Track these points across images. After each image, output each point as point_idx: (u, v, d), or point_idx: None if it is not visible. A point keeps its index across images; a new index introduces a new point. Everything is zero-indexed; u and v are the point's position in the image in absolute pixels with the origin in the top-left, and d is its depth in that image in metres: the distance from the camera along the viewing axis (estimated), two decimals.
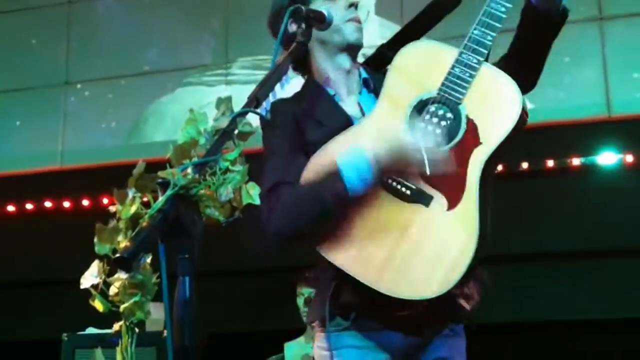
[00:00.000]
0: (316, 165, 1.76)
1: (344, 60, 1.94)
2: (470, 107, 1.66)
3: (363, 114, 1.88)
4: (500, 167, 3.72)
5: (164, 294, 1.33)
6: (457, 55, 1.69)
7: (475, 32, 1.69)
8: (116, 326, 1.31)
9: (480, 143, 1.63)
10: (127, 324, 1.31)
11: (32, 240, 4.42)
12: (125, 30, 4.76)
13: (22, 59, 4.94)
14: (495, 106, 1.65)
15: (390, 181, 1.70)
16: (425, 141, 1.67)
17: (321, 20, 1.92)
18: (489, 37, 1.67)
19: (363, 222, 1.69)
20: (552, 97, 3.88)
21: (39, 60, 4.89)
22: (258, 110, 1.75)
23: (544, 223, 3.66)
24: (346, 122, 1.85)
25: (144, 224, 1.34)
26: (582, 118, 3.79)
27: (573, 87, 3.89)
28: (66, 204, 4.57)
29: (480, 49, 1.67)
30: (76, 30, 4.88)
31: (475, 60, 1.67)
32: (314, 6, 1.89)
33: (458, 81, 1.68)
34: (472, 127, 1.65)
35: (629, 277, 3.54)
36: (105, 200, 4.40)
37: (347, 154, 1.70)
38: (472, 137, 1.64)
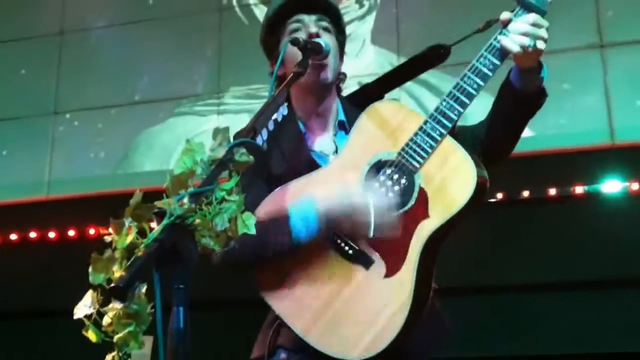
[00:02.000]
0: (272, 202, 1.79)
1: (315, 99, 1.96)
2: (425, 177, 1.66)
3: (337, 154, 1.90)
4: (500, 196, 3.74)
5: (158, 324, 1.33)
6: (422, 123, 1.70)
7: (444, 103, 1.71)
8: (109, 357, 1.30)
9: (429, 216, 1.64)
10: (120, 354, 1.30)
11: (19, 270, 4.41)
12: (117, 60, 4.80)
13: (11, 88, 4.97)
14: (450, 183, 1.65)
15: (336, 238, 1.73)
16: (376, 203, 1.68)
17: (318, 52, 1.94)
18: (457, 112, 1.68)
19: (304, 271, 1.73)
20: (553, 124, 3.88)
21: (28, 90, 4.93)
22: (254, 141, 1.76)
23: (547, 252, 3.64)
24: (309, 162, 1.87)
25: (140, 253, 1.34)
26: (585, 145, 3.78)
27: (575, 114, 3.89)
28: (51, 234, 4.54)
29: (445, 122, 1.68)
30: (67, 60, 4.92)
31: (438, 132, 1.68)
32: (283, 40, 1.92)
33: (418, 149, 1.70)
34: (423, 198, 1.65)
35: (635, 306, 3.51)
36: (91, 231, 4.39)
37: (299, 202, 1.72)
38: (421, 208, 1.65)
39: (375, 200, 1.69)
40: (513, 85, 1.75)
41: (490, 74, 1.69)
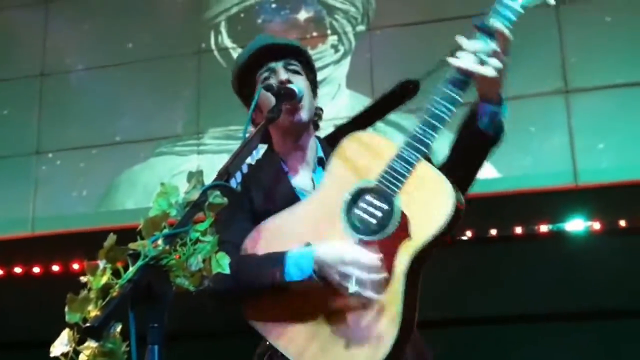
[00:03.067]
0: (261, 234, 1.85)
1: (293, 139, 2.04)
2: (405, 200, 1.73)
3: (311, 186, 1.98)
4: (469, 234, 3.84)
5: None
6: (398, 150, 1.77)
7: (418, 130, 1.77)
8: None
9: (411, 237, 1.70)
10: None
11: (5, 303, 4.42)
12: (97, 101, 4.87)
13: None
14: (428, 204, 1.71)
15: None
16: (363, 260, 1.73)
17: (292, 97, 2.03)
18: (430, 136, 1.75)
19: (293, 298, 1.79)
20: (519, 165, 4.01)
21: (10, 130, 4.98)
22: (228, 183, 1.84)
23: (514, 287, 3.73)
24: (292, 198, 1.94)
25: (114, 293, 1.39)
26: (550, 186, 3.91)
27: (540, 156, 4.02)
28: (36, 270, 4.58)
29: (421, 147, 1.75)
30: (48, 101, 4.99)
31: (414, 157, 1.75)
32: (258, 90, 2.00)
33: (396, 175, 1.76)
34: (404, 221, 1.72)
35: (599, 339, 3.59)
36: (75, 266, 4.43)
37: (297, 251, 1.78)
38: (403, 231, 1.71)
39: (358, 254, 1.75)
40: (473, 116, 1.81)
41: (458, 98, 1.75)
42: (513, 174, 3.99)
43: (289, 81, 2.05)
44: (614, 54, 4.04)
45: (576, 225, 3.83)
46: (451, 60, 1.77)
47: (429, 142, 1.74)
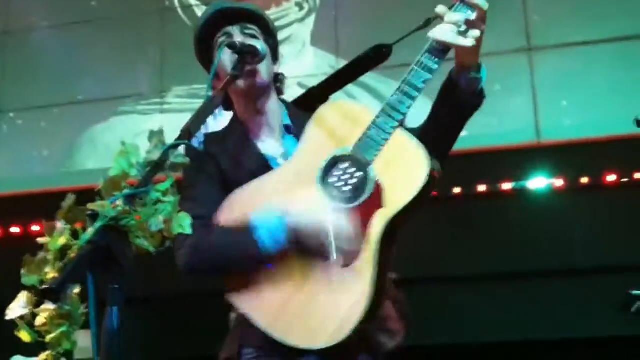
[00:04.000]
0: (231, 208, 1.84)
1: (255, 103, 2.02)
2: (380, 169, 1.73)
3: (285, 156, 1.96)
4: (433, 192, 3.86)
5: (92, 324, 1.37)
6: (374, 117, 1.77)
7: (394, 97, 1.77)
8: (42, 356, 1.34)
9: (384, 206, 1.71)
10: (54, 354, 1.34)
11: None
12: (60, 60, 4.78)
13: None
14: (403, 172, 1.71)
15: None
16: (339, 226, 1.73)
17: (255, 55, 2.00)
18: (406, 104, 1.75)
19: (266, 269, 1.78)
20: (483, 123, 4.03)
21: None
22: (190, 142, 1.82)
23: (478, 246, 3.78)
24: (263, 164, 1.93)
25: (73, 255, 1.38)
26: (513, 144, 3.94)
27: (504, 114, 4.04)
28: None
29: (397, 115, 1.75)
30: (11, 60, 4.89)
31: (390, 125, 1.75)
32: (217, 55, 1.97)
33: (372, 143, 1.76)
34: (378, 189, 1.72)
35: (562, 296, 3.67)
36: (36, 228, 4.37)
37: (266, 216, 1.77)
38: (377, 199, 1.72)
39: (338, 223, 1.74)
40: (452, 85, 1.82)
41: (435, 66, 1.75)
42: (477, 131, 4.00)
43: (249, 42, 2.02)
44: (577, 13, 4.05)
45: (538, 183, 3.88)
46: (431, 33, 1.78)
47: (406, 109, 1.75)
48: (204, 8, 4.59)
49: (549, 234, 3.71)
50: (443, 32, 1.75)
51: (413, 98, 1.75)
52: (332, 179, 1.79)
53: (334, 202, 1.75)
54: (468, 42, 1.73)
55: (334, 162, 1.80)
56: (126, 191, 1.57)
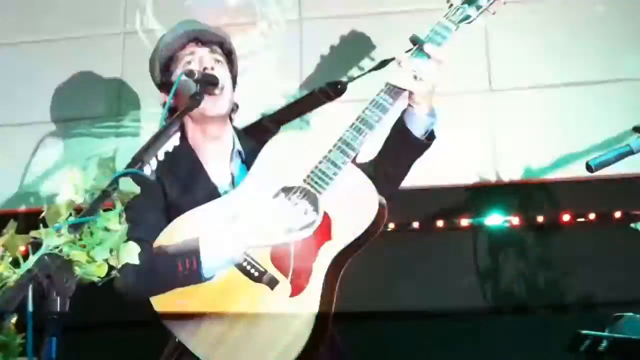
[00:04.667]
0: (176, 231, 1.82)
1: (210, 130, 2.01)
2: (329, 202, 1.75)
3: (233, 183, 1.95)
4: (392, 225, 3.88)
5: (29, 355, 1.33)
6: (326, 152, 1.79)
7: (347, 133, 1.81)
8: None
9: (331, 239, 1.72)
10: None
11: None
12: (14, 78, 4.70)
13: None
14: (353, 206, 1.75)
15: (242, 261, 1.76)
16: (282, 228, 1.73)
17: (214, 84, 1.99)
18: (359, 141, 1.79)
19: (207, 295, 1.76)
20: (443, 160, 4.06)
21: None
22: (141, 171, 1.79)
23: (433, 280, 3.79)
24: (211, 191, 1.91)
25: (11, 283, 1.34)
26: (472, 182, 3.98)
27: (464, 151, 4.07)
28: None
29: (349, 150, 1.78)
30: None
31: (341, 160, 1.77)
32: (175, 75, 1.97)
33: (322, 176, 1.78)
34: (327, 222, 1.73)
35: (512, 335, 3.68)
36: None
37: (210, 241, 1.76)
38: (325, 231, 1.73)
39: (283, 252, 1.72)
40: (404, 126, 1.85)
41: (389, 107, 1.80)
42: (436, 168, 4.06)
43: (212, 68, 2.03)
44: (539, 57, 4.13)
45: (495, 220, 3.91)
46: (389, 78, 1.83)
47: (358, 146, 1.79)
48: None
49: (502, 271, 3.74)
50: (399, 77, 1.80)
51: (366, 135, 1.78)
52: (280, 209, 1.79)
53: (281, 232, 1.75)
54: (422, 88, 1.78)
55: (283, 193, 1.80)
56: (71, 219, 1.54)
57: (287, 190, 1.81)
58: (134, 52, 4.62)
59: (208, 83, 2.00)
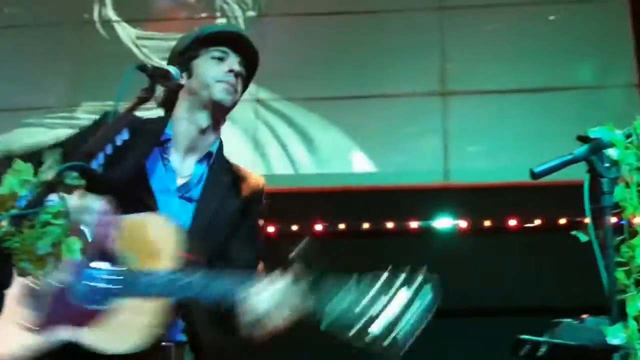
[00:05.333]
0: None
1: (204, 117, 2.00)
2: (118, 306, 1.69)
3: (190, 180, 1.94)
4: (343, 226, 3.91)
5: None
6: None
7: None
8: None
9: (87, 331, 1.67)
10: None
11: None
12: None
13: None
14: (120, 330, 1.68)
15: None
16: None
17: (167, 78, 1.98)
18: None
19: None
20: (395, 162, 4.12)
21: None
22: (88, 164, 1.77)
23: None
24: (139, 173, 1.90)
25: None
26: (422, 184, 4.03)
27: (415, 154, 4.14)
28: None
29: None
30: None
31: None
32: (202, 60, 1.96)
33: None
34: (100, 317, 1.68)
35: (455, 337, 3.73)
36: None
37: None
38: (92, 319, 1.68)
39: None
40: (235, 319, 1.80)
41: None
42: (388, 170, 4.10)
43: (239, 74, 2.02)
44: (492, 63, 4.21)
45: (444, 223, 3.98)
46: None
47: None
48: (124, 24, 4.52)
49: (450, 274, 3.78)
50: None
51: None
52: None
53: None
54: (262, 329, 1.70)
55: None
56: (13, 211, 1.52)
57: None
58: (91, 43, 4.56)
59: (161, 77, 1.98)
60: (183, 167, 2.00)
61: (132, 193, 1.91)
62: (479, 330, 3.72)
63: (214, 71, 1.97)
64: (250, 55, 2.08)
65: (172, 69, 1.98)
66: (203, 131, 2.03)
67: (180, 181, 1.98)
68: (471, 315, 3.76)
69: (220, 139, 2.07)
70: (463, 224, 3.96)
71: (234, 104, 2.05)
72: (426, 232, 3.97)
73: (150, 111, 2.07)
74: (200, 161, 2.01)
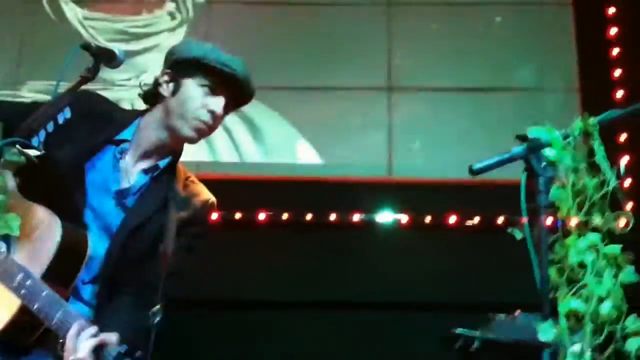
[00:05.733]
0: None
1: (167, 136, 1.96)
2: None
3: (131, 188, 1.92)
4: (286, 216, 3.91)
5: None
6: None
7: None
8: None
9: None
10: None
11: None
12: None
13: None
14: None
15: None
16: None
17: (111, 59, 1.95)
18: None
19: None
20: (340, 154, 4.16)
21: None
22: (28, 140, 1.74)
23: (324, 274, 3.85)
24: (76, 167, 1.88)
25: None
26: (365, 177, 4.07)
27: (360, 148, 4.17)
28: None
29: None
30: None
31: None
32: (192, 84, 1.92)
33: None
34: None
35: (402, 329, 3.78)
36: None
37: None
38: None
39: None
40: None
41: None
42: (333, 162, 4.13)
43: (219, 117, 1.98)
44: (437, 61, 4.27)
45: (386, 217, 4.01)
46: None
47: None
48: (71, 4, 4.42)
49: (390, 267, 3.84)
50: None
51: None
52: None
53: None
54: None
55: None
56: None
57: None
58: (37, 21, 4.44)
59: (105, 57, 1.95)
60: (131, 173, 1.97)
61: (65, 180, 1.88)
62: (414, 324, 3.77)
63: (197, 104, 1.93)
64: (244, 101, 2.05)
65: (117, 50, 1.95)
66: (164, 147, 2.00)
67: (122, 185, 1.95)
68: (407, 308, 3.81)
69: (179, 154, 2.04)
70: (404, 218, 4.01)
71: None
72: (368, 226, 3.99)
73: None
74: (145, 171, 1.99)
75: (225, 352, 3.65)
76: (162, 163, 2.00)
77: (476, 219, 4.01)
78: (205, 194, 2.07)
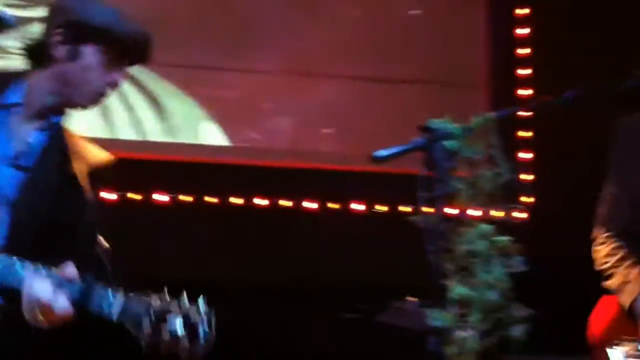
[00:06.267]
0: None
1: (64, 102, 1.85)
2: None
3: (28, 148, 1.83)
4: (186, 198, 3.85)
5: None
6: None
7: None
8: None
9: None
10: None
11: None
12: None
13: None
14: None
15: None
16: None
17: (8, 26, 1.84)
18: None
19: None
20: (248, 138, 4.18)
21: None
22: None
23: (227, 255, 3.83)
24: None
25: None
26: (271, 161, 4.08)
27: (268, 132, 4.19)
28: None
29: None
30: None
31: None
32: (95, 52, 1.80)
33: None
34: None
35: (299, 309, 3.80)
36: None
37: None
38: None
39: None
40: None
41: None
42: (240, 144, 4.11)
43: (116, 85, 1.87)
44: (349, 48, 4.26)
45: (289, 202, 4.05)
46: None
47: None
48: None
49: (291, 252, 3.85)
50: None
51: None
52: None
53: None
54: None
55: None
56: None
57: None
58: None
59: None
60: (21, 133, 1.87)
61: None
62: (310, 304, 3.79)
63: (97, 76, 1.82)
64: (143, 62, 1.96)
65: (4, 13, 1.83)
66: (56, 108, 1.90)
67: (17, 148, 1.85)
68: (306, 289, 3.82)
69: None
70: (307, 204, 4.03)
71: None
72: (271, 210, 4.00)
73: None
74: (41, 129, 1.88)
75: None
76: (58, 119, 1.90)
77: (380, 207, 4.07)
78: (102, 151, 2.00)
